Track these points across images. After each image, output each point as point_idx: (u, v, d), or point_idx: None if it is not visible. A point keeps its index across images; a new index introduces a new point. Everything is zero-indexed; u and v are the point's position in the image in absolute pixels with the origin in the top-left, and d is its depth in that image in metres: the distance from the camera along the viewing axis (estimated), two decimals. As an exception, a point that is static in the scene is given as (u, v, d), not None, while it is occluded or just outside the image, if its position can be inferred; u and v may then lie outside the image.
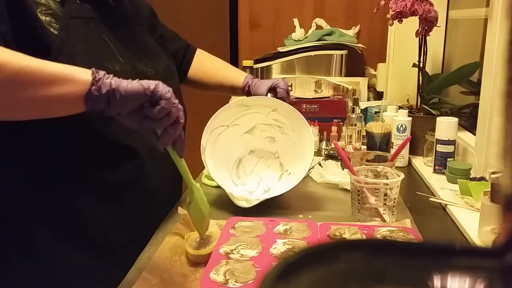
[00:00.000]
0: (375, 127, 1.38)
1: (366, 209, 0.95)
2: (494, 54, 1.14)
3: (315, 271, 0.26)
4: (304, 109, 1.66)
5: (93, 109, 0.70)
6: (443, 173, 1.24)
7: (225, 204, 1.05)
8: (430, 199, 1.12)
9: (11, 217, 0.86)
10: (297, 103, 1.64)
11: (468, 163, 1.23)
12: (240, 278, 0.69)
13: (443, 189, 1.16)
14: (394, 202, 0.95)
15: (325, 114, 1.66)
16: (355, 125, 1.51)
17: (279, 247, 0.80)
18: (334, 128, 1.60)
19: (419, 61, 1.47)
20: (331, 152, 1.50)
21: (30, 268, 0.87)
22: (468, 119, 1.52)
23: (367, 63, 2.19)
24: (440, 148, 1.27)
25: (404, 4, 1.37)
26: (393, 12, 1.39)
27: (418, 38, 1.45)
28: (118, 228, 0.91)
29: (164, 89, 0.71)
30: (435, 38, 1.63)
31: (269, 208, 1.04)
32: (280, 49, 2.08)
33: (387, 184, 0.93)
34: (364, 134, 1.44)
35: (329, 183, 1.23)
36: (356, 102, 1.64)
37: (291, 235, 0.85)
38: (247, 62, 2.09)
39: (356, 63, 2.12)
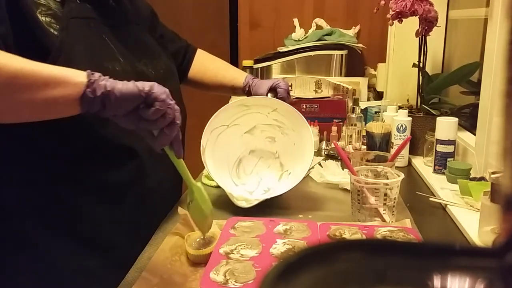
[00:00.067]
0: (375, 127, 1.38)
1: (366, 209, 0.95)
2: (494, 54, 1.14)
3: (315, 271, 0.26)
4: (304, 109, 1.66)
5: (88, 111, 0.71)
6: (443, 173, 1.24)
7: (225, 204, 1.05)
8: (430, 199, 1.12)
9: (11, 217, 0.86)
10: (297, 103, 1.64)
11: (468, 163, 1.23)
12: (240, 278, 0.69)
13: (443, 189, 1.16)
14: (394, 202, 0.95)
15: (325, 114, 1.66)
16: (355, 125, 1.51)
17: (279, 247, 0.80)
18: (334, 128, 1.60)
19: (419, 61, 1.47)
20: (331, 152, 1.50)
21: (30, 268, 0.87)
22: (468, 119, 1.52)
23: (367, 63, 2.19)
24: (440, 148, 1.27)
25: (404, 4, 1.37)
26: (393, 12, 1.39)
27: (418, 38, 1.45)
28: (118, 228, 0.91)
29: (159, 90, 0.71)
30: (435, 38, 1.63)
31: (269, 208, 1.04)
32: (280, 49, 2.08)
33: (387, 184, 0.93)
34: (364, 134, 1.44)
35: (329, 183, 1.23)
36: (356, 102, 1.64)
37: (291, 235, 0.85)
38: (247, 62, 2.09)
39: (356, 63, 2.12)
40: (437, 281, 0.26)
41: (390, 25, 1.51)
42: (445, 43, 1.77)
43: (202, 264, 0.78)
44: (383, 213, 0.94)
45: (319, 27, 2.16)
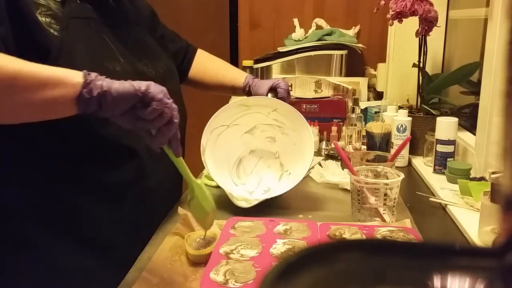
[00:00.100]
0: (375, 127, 1.38)
1: (366, 209, 0.95)
2: (494, 54, 1.14)
3: (315, 271, 0.26)
4: (304, 109, 1.66)
5: (85, 111, 0.71)
6: (443, 173, 1.24)
7: (225, 204, 1.05)
8: (430, 199, 1.12)
9: (11, 217, 0.86)
10: (297, 103, 1.64)
11: (468, 163, 1.23)
12: (240, 278, 0.69)
13: (443, 189, 1.16)
14: (394, 202, 0.95)
15: (325, 114, 1.66)
16: (355, 125, 1.51)
17: (279, 247, 0.80)
18: (334, 128, 1.60)
19: (419, 61, 1.47)
20: (331, 152, 1.50)
21: (30, 268, 0.87)
22: (468, 119, 1.52)
23: (367, 63, 2.19)
24: (440, 148, 1.27)
25: (404, 4, 1.37)
26: (393, 12, 1.39)
27: (418, 38, 1.45)
28: (118, 228, 0.91)
29: (155, 89, 0.71)
30: (435, 38, 1.63)
31: (269, 208, 1.04)
32: (280, 49, 2.08)
33: (387, 184, 0.93)
34: (364, 134, 1.44)
35: (329, 183, 1.23)
36: (356, 102, 1.64)
37: (291, 235, 0.85)
38: (247, 62, 2.09)
39: (356, 63, 2.12)
40: (437, 281, 0.26)
41: (390, 25, 1.51)
42: (445, 43, 1.77)
43: (202, 264, 0.78)
44: (383, 213, 0.94)
45: (319, 27, 2.16)
